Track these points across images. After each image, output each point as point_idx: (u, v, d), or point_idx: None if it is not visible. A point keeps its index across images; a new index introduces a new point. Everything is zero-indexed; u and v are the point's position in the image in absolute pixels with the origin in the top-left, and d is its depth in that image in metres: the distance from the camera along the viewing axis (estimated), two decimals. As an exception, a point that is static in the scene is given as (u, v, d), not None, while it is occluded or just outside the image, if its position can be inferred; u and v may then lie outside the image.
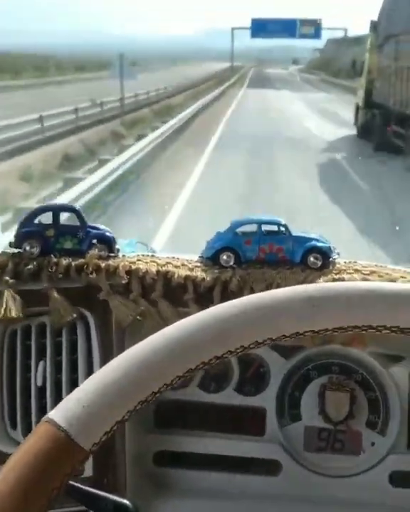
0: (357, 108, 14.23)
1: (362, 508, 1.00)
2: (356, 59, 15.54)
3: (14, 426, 1.00)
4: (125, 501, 0.70)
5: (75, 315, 0.95)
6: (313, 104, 23.42)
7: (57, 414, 0.49)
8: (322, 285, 0.55)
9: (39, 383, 0.98)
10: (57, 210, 0.98)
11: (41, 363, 0.98)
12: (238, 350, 0.52)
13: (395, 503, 0.99)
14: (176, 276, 0.94)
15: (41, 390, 0.99)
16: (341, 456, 1.02)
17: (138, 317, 0.94)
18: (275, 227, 0.96)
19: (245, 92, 31.36)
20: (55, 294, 0.94)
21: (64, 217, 1.00)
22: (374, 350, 1.00)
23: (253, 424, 1.03)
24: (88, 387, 0.50)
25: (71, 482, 0.63)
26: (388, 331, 0.53)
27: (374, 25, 13.21)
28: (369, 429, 1.01)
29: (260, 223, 0.96)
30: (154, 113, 18.21)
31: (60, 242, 0.97)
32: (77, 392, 0.50)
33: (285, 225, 0.96)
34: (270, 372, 1.03)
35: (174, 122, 14.72)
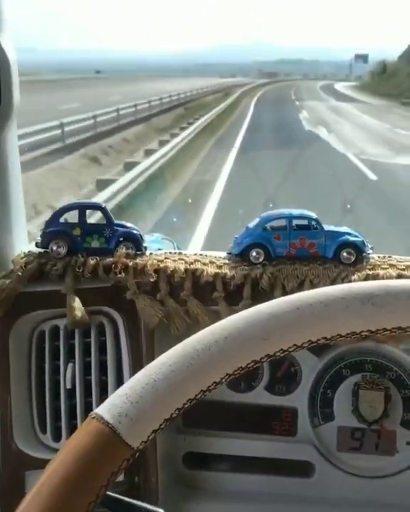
0: None
1: (398, 509, 0.93)
2: None
3: (44, 430, 0.93)
4: (159, 510, 0.64)
5: (87, 318, 0.88)
6: None
7: (104, 410, 0.45)
8: (380, 282, 0.49)
9: (68, 386, 0.92)
10: (83, 208, 0.92)
11: (70, 365, 0.92)
12: (290, 349, 0.47)
13: None
14: (205, 274, 0.87)
15: (71, 393, 0.92)
16: (375, 456, 0.94)
17: (164, 319, 0.87)
18: (305, 222, 0.89)
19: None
20: (72, 297, 0.88)
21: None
22: (407, 347, 0.93)
23: (284, 425, 0.96)
24: (136, 383, 0.46)
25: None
26: None
27: None
28: (404, 428, 0.94)
29: (290, 218, 0.89)
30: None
31: (87, 242, 0.91)
32: (124, 389, 0.46)
33: (316, 219, 0.89)
34: (302, 371, 0.96)
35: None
